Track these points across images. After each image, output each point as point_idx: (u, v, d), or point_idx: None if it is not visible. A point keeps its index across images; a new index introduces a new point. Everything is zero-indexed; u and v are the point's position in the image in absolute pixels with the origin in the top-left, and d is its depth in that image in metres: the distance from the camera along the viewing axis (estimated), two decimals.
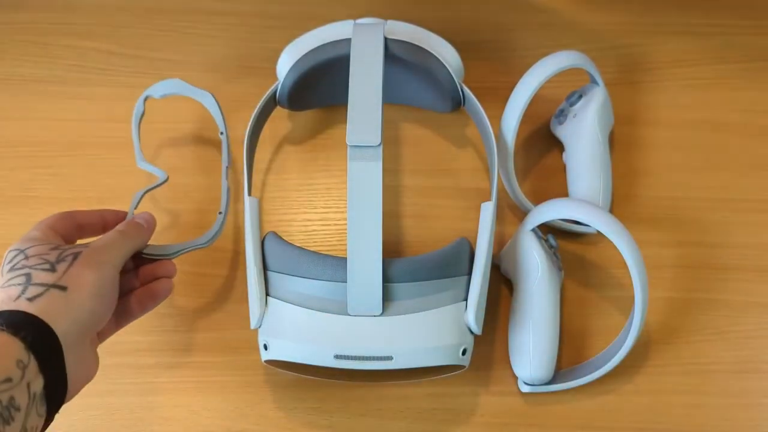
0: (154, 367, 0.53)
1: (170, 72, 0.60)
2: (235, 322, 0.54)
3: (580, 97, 0.56)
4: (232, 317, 0.54)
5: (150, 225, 0.48)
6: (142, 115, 0.55)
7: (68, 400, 0.38)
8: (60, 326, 0.37)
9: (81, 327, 0.39)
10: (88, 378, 0.40)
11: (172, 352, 0.53)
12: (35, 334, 0.35)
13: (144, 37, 0.62)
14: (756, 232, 0.57)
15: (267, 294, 0.47)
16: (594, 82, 0.56)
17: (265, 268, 0.47)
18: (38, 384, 0.35)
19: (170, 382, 0.52)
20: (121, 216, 0.49)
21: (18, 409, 0.33)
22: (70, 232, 0.45)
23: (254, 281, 0.47)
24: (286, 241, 0.48)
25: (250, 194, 0.50)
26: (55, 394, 0.36)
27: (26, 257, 0.41)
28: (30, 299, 0.37)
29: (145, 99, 0.55)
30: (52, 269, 0.39)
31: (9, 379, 0.33)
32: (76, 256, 0.41)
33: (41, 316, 0.36)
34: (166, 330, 0.54)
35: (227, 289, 0.54)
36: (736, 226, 0.57)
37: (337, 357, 0.44)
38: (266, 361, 0.47)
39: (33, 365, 0.35)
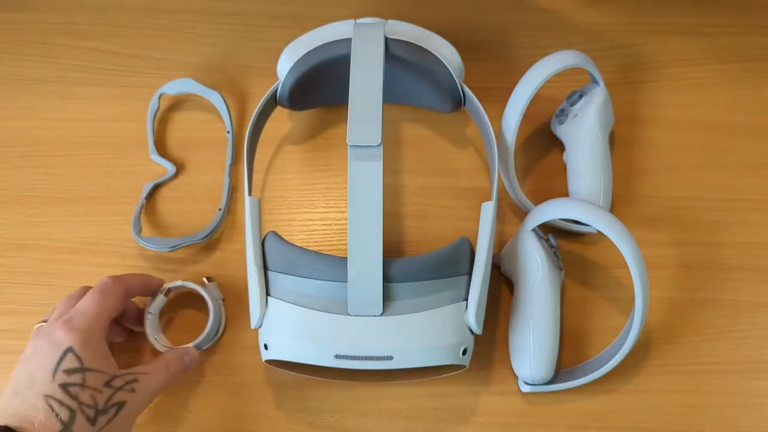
0: None
1: (170, 72, 0.60)
2: (235, 323, 0.54)
3: (581, 96, 0.56)
4: (232, 317, 0.54)
5: (192, 364, 0.50)
6: (157, 110, 0.59)
7: None
8: None
9: None
10: None
11: None
12: None
13: (144, 37, 0.62)
14: (756, 232, 0.57)
15: (267, 294, 0.47)
16: (594, 81, 0.56)
17: (265, 268, 0.47)
18: None
19: None
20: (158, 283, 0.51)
21: None
22: (122, 303, 0.48)
23: (254, 281, 0.47)
24: (286, 240, 0.48)
25: (250, 194, 0.50)
26: None
27: (82, 385, 0.42)
28: None
29: (160, 96, 0.58)
30: (93, 422, 0.41)
31: None
32: (120, 407, 0.43)
33: None
34: (165, 330, 0.54)
35: (227, 290, 0.54)
36: (736, 226, 0.57)
37: (337, 357, 0.44)
38: (266, 361, 0.47)
39: None
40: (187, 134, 0.59)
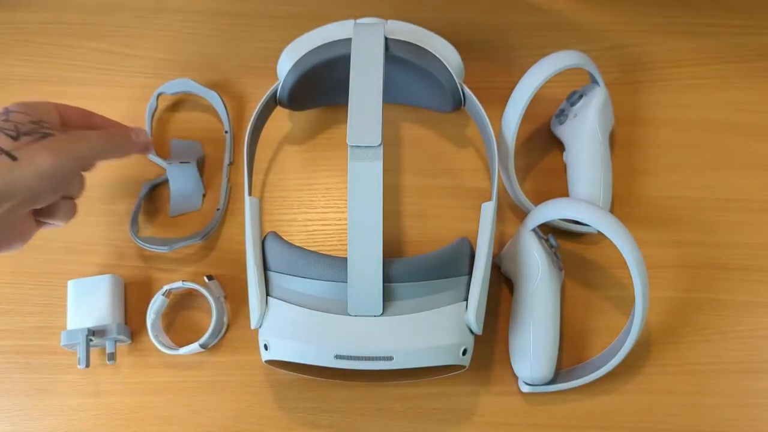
0: (154, 367, 0.53)
1: (169, 72, 0.60)
2: (235, 322, 0.54)
3: (581, 96, 0.56)
4: (232, 317, 0.54)
5: (140, 142, 0.50)
6: (155, 110, 0.59)
7: None
8: None
9: (14, 198, 0.40)
10: (9, 243, 0.43)
11: None
12: None
13: (144, 37, 0.62)
14: (756, 232, 0.57)
15: (267, 294, 0.47)
16: (594, 82, 0.56)
17: (265, 268, 0.47)
18: None
19: (170, 382, 0.52)
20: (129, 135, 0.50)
21: None
22: (78, 125, 0.48)
23: (254, 281, 0.47)
24: (286, 241, 0.48)
25: (250, 194, 0.50)
26: None
27: (5, 120, 0.43)
28: None
29: (158, 96, 0.58)
30: (15, 138, 0.41)
31: None
32: (45, 136, 0.43)
33: None
34: (168, 331, 0.54)
35: (227, 290, 0.54)
36: (736, 226, 0.57)
37: (337, 357, 0.44)
38: (266, 361, 0.47)
39: None
40: (186, 134, 0.59)
